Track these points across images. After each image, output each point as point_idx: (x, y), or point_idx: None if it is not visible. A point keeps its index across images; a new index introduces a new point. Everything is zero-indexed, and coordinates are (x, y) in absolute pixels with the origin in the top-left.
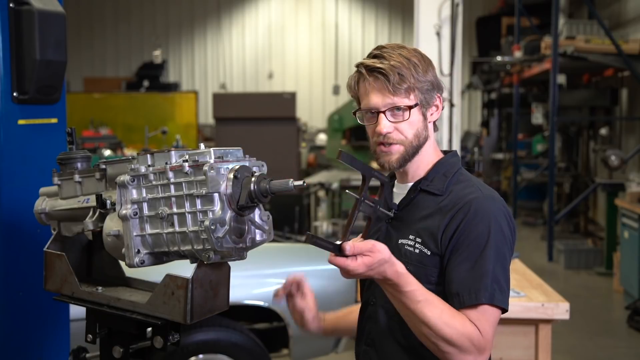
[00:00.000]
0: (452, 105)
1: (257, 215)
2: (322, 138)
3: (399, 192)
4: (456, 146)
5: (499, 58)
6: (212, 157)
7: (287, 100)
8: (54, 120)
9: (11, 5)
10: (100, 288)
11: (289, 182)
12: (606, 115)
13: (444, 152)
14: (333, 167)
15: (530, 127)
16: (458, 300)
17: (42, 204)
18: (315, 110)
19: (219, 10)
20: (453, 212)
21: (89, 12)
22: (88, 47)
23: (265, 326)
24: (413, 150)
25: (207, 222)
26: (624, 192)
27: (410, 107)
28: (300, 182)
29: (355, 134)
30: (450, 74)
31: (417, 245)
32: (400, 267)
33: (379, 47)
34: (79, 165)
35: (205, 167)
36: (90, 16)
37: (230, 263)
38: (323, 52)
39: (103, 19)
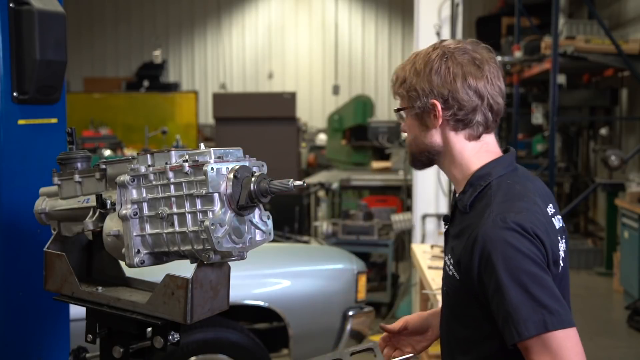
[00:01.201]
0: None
1: (257, 215)
2: (322, 138)
3: None
4: None
5: (499, 58)
6: (212, 157)
7: (287, 100)
8: (54, 120)
9: (11, 5)
10: (100, 288)
11: (289, 182)
12: (606, 115)
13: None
14: (333, 167)
15: (530, 127)
16: (509, 345)
17: (42, 204)
18: (315, 110)
19: (219, 10)
20: (469, 242)
21: (89, 12)
22: (88, 47)
23: (265, 326)
24: (418, 155)
25: (207, 222)
26: (624, 192)
27: (398, 110)
28: (300, 182)
29: (355, 134)
30: None
31: (450, 267)
32: None
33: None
34: (79, 165)
35: (205, 167)
36: (90, 16)
37: (230, 263)
38: (323, 52)
39: (103, 19)
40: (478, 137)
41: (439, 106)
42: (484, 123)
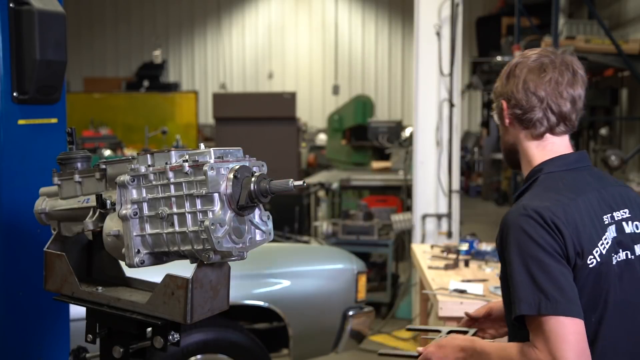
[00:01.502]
0: (452, 105)
1: (257, 215)
2: (322, 138)
3: None
4: (456, 146)
5: (499, 58)
6: (212, 157)
7: (287, 100)
8: (54, 120)
9: (11, 5)
10: (100, 288)
11: (289, 182)
12: (606, 115)
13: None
14: (333, 167)
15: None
16: (515, 320)
17: (42, 204)
18: (315, 110)
19: (219, 10)
20: (500, 227)
21: (89, 12)
22: (88, 47)
23: (265, 326)
24: (506, 155)
25: (207, 222)
26: None
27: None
28: (300, 182)
29: (355, 134)
30: (450, 74)
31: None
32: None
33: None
34: (79, 165)
35: (205, 167)
36: (90, 16)
37: (230, 263)
38: (323, 52)
39: (103, 19)
40: (540, 136)
41: (505, 105)
42: (545, 123)
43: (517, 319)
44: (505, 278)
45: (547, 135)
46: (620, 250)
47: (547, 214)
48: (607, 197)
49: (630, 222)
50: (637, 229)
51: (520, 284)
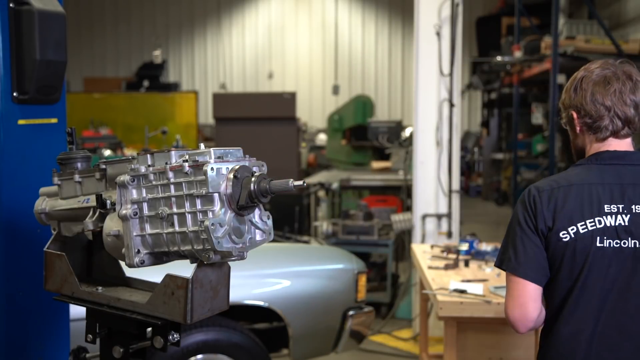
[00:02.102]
0: (452, 105)
1: (257, 215)
2: (322, 138)
3: None
4: (456, 146)
5: (499, 58)
6: (212, 157)
7: (287, 100)
8: (54, 120)
9: (11, 5)
10: (100, 288)
11: (289, 182)
12: None
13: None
14: (333, 167)
15: (530, 127)
16: None
17: (42, 204)
18: (315, 110)
19: (219, 10)
20: None
21: (89, 12)
22: (88, 47)
23: (265, 326)
24: (576, 156)
25: (207, 222)
26: None
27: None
28: (300, 182)
29: (355, 134)
30: (450, 74)
31: None
32: None
33: None
34: (79, 165)
35: (205, 167)
36: (90, 16)
37: (230, 263)
38: (323, 52)
39: (103, 19)
40: (605, 139)
41: (575, 115)
42: (611, 129)
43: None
44: None
45: (610, 138)
46: (629, 238)
47: (530, 196)
48: (629, 192)
49: (616, 214)
50: (619, 220)
51: (502, 244)
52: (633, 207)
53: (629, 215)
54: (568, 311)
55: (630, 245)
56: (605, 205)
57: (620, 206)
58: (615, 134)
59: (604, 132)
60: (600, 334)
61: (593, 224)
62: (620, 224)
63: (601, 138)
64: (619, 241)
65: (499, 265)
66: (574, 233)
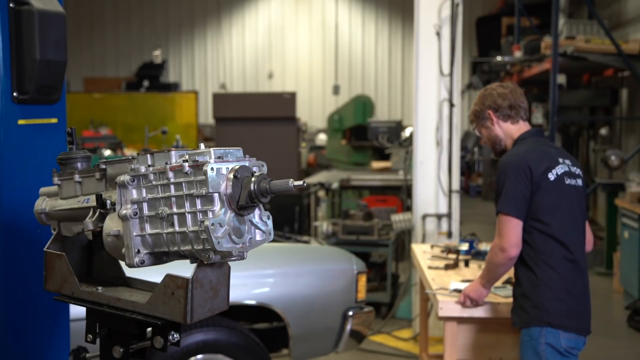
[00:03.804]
0: (452, 105)
1: (257, 215)
2: (322, 138)
3: None
4: (456, 146)
5: (499, 58)
6: (212, 157)
7: (287, 100)
8: (54, 120)
9: (11, 5)
10: (100, 288)
11: (289, 182)
12: (606, 115)
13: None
14: (333, 167)
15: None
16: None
17: (42, 204)
18: (315, 110)
19: (219, 10)
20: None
21: (89, 12)
22: (88, 47)
23: (265, 326)
24: (496, 146)
25: (207, 222)
26: (624, 192)
27: (475, 127)
28: (300, 182)
29: (355, 134)
30: (450, 74)
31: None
32: (479, 282)
33: None
34: (79, 165)
35: (205, 167)
36: (90, 16)
37: (230, 263)
38: (323, 52)
39: (103, 19)
40: (517, 122)
41: (492, 113)
42: (514, 114)
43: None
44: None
45: (520, 121)
46: (571, 179)
47: (522, 158)
48: (560, 152)
49: (572, 166)
50: (576, 171)
51: (499, 194)
52: (565, 160)
53: (564, 165)
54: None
55: (576, 184)
56: (558, 159)
57: (561, 159)
58: (523, 118)
59: (515, 117)
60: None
61: (558, 170)
62: (565, 170)
63: (515, 122)
64: (571, 181)
65: (498, 208)
66: (554, 175)
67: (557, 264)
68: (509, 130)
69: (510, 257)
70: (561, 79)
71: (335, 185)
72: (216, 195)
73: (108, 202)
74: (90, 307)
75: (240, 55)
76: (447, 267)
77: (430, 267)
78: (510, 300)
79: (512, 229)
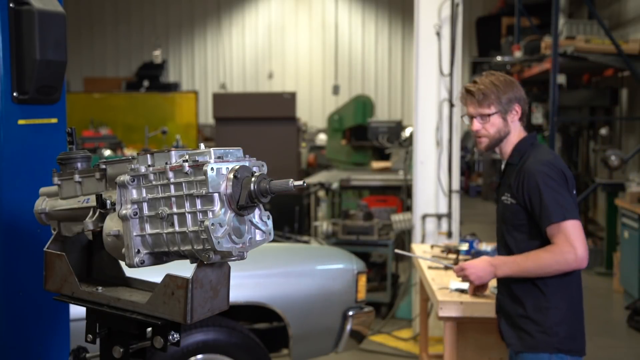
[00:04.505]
0: (452, 105)
1: (257, 215)
2: (322, 138)
3: (503, 167)
4: (456, 146)
5: (499, 58)
6: (212, 157)
7: (287, 100)
8: (54, 120)
9: (11, 5)
10: (100, 288)
11: (289, 182)
12: (606, 115)
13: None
14: (333, 167)
15: (530, 127)
16: (543, 229)
17: (42, 204)
18: (315, 110)
19: (219, 10)
20: (519, 175)
21: (89, 12)
22: (88, 47)
23: (265, 326)
24: (496, 141)
25: (207, 222)
26: (624, 192)
27: (490, 115)
28: (300, 182)
29: (355, 134)
30: (450, 74)
31: (509, 198)
32: (501, 268)
33: (480, 75)
34: (79, 165)
35: (205, 167)
36: (90, 16)
37: (230, 263)
38: (323, 52)
39: (103, 19)
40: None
41: (520, 106)
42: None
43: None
44: (513, 212)
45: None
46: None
47: (555, 162)
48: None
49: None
50: None
51: (550, 206)
52: None
53: None
54: None
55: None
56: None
57: None
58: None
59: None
60: None
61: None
62: None
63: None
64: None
65: (563, 218)
66: (575, 191)
67: (570, 283)
68: (516, 130)
69: (583, 266)
70: (561, 79)
71: (335, 185)
72: (216, 195)
73: (108, 202)
74: (90, 307)
75: (240, 55)
76: (447, 267)
77: (430, 267)
78: None
79: (582, 234)
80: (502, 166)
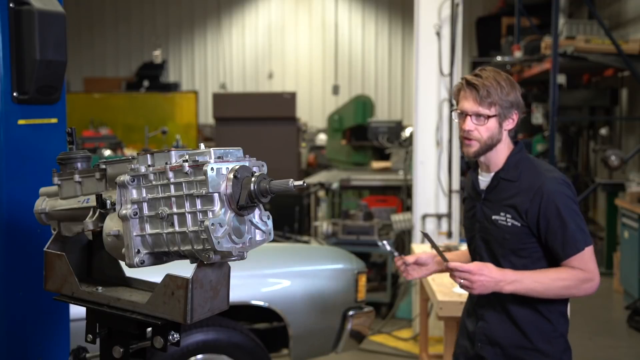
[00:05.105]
0: (452, 105)
1: (257, 215)
2: (322, 138)
3: (484, 179)
4: (456, 146)
5: (499, 58)
6: (212, 157)
7: (287, 100)
8: (54, 120)
9: (11, 5)
10: (100, 288)
11: (289, 182)
12: (606, 115)
13: (515, 142)
14: (333, 167)
15: (530, 127)
16: (565, 257)
17: (42, 204)
18: (315, 110)
19: (219, 10)
20: (531, 196)
21: (89, 12)
22: (88, 47)
23: (265, 326)
24: (486, 148)
25: (207, 222)
26: (624, 192)
27: (489, 117)
28: (300, 182)
29: (355, 134)
30: (450, 74)
31: (508, 219)
32: (512, 284)
33: (480, 69)
34: (79, 165)
35: (205, 167)
36: (90, 16)
37: (230, 263)
38: (323, 52)
39: (103, 19)
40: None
41: (517, 113)
42: None
43: (562, 257)
44: (516, 234)
45: None
46: None
47: (570, 184)
48: None
49: None
50: None
51: (576, 233)
52: None
53: None
54: None
55: None
56: None
57: None
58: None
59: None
60: None
61: None
62: None
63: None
64: None
65: (585, 246)
66: None
67: (567, 305)
68: (506, 140)
69: (596, 288)
70: (561, 79)
71: (335, 185)
72: (216, 195)
73: (108, 202)
74: (90, 307)
75: (240, 55)
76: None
77: None
78: None
79: (594, 258)
80: (487, 180)
